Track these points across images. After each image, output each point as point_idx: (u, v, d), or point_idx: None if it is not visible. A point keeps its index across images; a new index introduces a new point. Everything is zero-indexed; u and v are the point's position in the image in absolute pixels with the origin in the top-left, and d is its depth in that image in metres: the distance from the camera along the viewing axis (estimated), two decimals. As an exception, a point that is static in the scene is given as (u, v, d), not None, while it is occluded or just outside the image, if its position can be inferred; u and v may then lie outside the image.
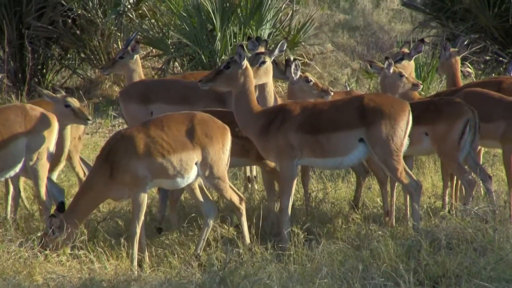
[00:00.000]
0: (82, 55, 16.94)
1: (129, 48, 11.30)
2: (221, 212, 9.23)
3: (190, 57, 15.76)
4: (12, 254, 7.88)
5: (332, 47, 18.88)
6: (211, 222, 8.57)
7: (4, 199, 9.78)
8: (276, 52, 9.23)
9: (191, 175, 8.33)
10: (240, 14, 15.54)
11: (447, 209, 9.38)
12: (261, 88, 9.13)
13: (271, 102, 9.15)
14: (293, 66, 9.55)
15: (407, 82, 9.59)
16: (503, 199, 8.77)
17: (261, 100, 9.08)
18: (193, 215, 9.18)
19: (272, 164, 9.13)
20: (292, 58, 9.90)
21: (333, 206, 9.86)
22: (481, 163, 9.65)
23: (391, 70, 9.54)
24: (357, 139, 8.57)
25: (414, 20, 21.68)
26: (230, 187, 8.54)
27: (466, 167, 8.98)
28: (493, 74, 16.22)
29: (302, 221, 8.75)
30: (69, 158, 9.81)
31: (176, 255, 8.41)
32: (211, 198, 8.68)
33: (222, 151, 8.43)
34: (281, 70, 10.06)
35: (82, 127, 9.91)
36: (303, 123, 8.61)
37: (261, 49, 9.86)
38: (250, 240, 8.53)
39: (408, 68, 10.43)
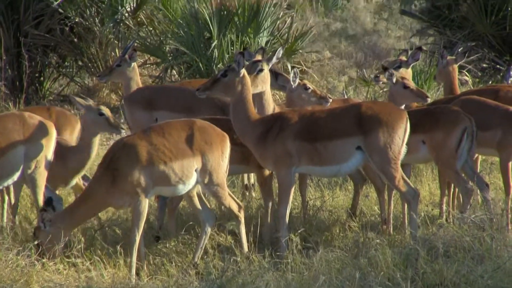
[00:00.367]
0: (80, 63, 16.96)
1: (126, 56, 11.29)
2: (218, 220, 9.22)
3: (188, 65, 15.78)
4: (10, 262, 7.86)
5: (329, 54, 18.91)
6: (209, 230, 8.56)
7: (-1, 207, 9.77)
8: (274, 59, 9.23)
9: (191, 182, 8.33)
10: (237, 22, 15.54)
11: (444, 217, 9.37)
12: (259, 96, 9.13)
13: (269, 110, 9.14)
14: (292, 74, 9.56)
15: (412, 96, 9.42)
16: (500, 207, 8.76)
17: (259, 108, 9.08)
18: (190, 223, 9.18)
19: (266, 172, 9.12)
20: (290, 66, 9.90)
21: (331, 214, 9.85)
22: (478, 171, 9.66)
23: (394, 80, 9.43)
24: (354, 147, 8.55)
25: (412, 28, 21.72)
26: (229, 194, 8.54)
27: (463, 175, 8.99)
28: (491, 82, 16.24)
29: (300, 229, 8.75)
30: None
31: (173, 263, 8.39)
32: (209, 206, 8.68)
33: (222, 158, 8.44)
34: (273, 79, 10.03)
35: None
36: (301, 131, 8.60)
37: (258, 57, 9.85)
38: (248, 248, 8.52)
39: (406, 76, 10.43)
